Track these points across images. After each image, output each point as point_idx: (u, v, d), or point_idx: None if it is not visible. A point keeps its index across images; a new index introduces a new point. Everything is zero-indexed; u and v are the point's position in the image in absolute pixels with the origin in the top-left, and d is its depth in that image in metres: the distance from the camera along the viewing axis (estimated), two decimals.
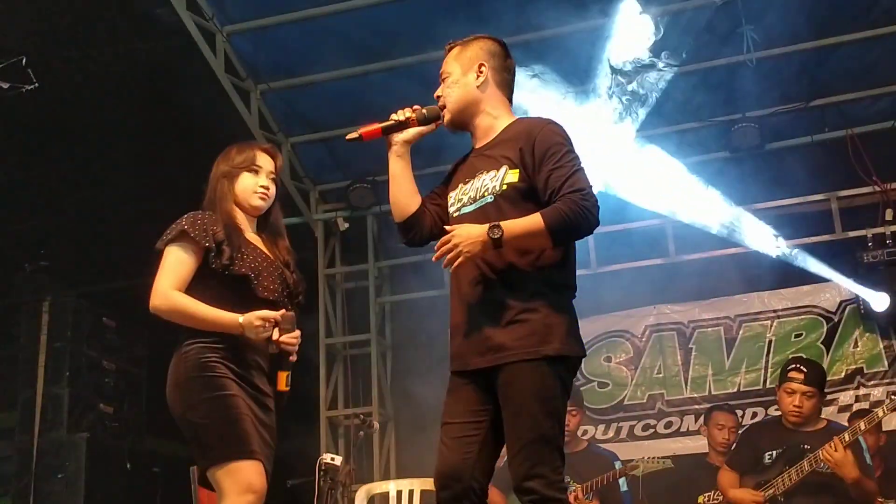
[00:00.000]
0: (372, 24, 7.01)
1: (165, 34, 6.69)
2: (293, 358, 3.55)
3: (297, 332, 3.53)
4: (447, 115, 3.27)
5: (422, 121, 3.24)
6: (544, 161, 3.08)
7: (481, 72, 3.28)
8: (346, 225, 8.46)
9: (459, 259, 3.00)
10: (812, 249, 7.69)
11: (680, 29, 7.03)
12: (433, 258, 3.08)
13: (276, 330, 3.44)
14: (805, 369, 5.09)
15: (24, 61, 5.98)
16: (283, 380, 3.50)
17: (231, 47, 7.32)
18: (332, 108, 7.51)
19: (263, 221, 3.74)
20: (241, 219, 3.64)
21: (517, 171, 3.11)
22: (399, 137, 3.25)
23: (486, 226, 2.98)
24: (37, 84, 6.07)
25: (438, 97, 3.30)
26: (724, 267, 7.82)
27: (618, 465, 5.65)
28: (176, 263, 3.45)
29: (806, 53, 7.14)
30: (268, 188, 3.67)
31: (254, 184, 3.64)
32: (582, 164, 3.11)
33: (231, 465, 3.31)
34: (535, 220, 2.99)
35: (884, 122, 7.51)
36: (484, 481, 3.09)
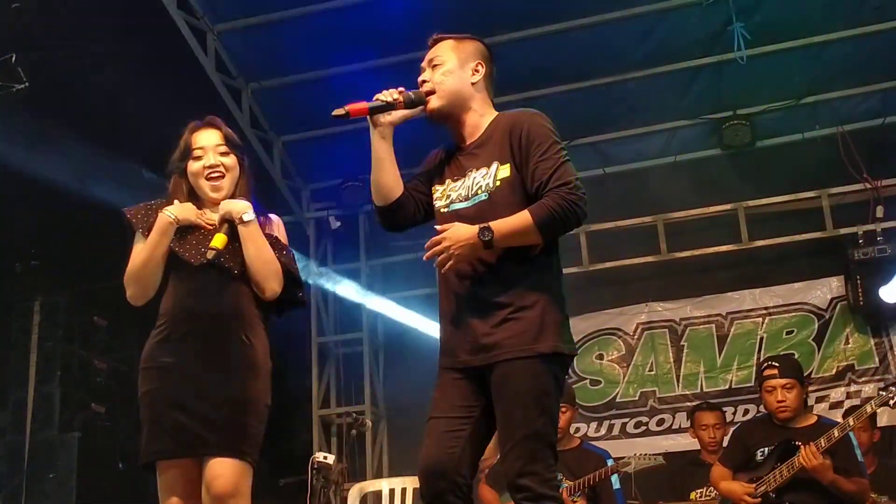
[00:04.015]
0: (364, 22, 7.01)
1: (156, 33, 6.67)
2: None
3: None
4: (437, 102, 3.22)
5: (408, 104, 3.19)
6: (531, 152, 3.08)
7: (477, 70, 3.27)
8: (339, 223, 8.45)
9: (451, 262, 3.01)
10: (803, 246, 7.71)
11: (671, 26, 7.06)
12: (424, 257, 3.07)
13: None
14: (778, 364, 5.13)
15: (13, 59, 5.95)
16: (216, 238, 3.28)
17: (222, 46, 7.31)
18: (323, 107, 7.50)
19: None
20: (205, 207, 3.46)
21: (508, 165, 3.11)
22: (385, 119, 3.21)
23: (477, 227, 2.98)
24: (27, 83, 6.05)
25: (424, 81, 3.26)
26: (715, 264, 7.84)
27: (610, 462, 5.64)
28: (133, 252, 3.38)
29: (797, 50, 7.16)
30: (216, 165, 3.41)
31: (199, 169, 3.41)
32: (568, 157, 3.10)
33: (157, 466, 3.27)
34: (523, 218, 2.99)
35: (874, 120, 7.52)
36: (469, 476, 3.08)
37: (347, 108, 3.15)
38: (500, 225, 2.99)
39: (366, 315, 8.42)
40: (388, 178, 3.24)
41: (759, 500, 4.94)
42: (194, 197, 3.47)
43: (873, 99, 7.50)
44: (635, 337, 8.03)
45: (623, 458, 5.77)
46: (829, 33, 7.02)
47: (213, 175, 3.42)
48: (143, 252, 3.32)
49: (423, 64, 3.30)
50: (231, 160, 3.47)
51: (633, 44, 7.20)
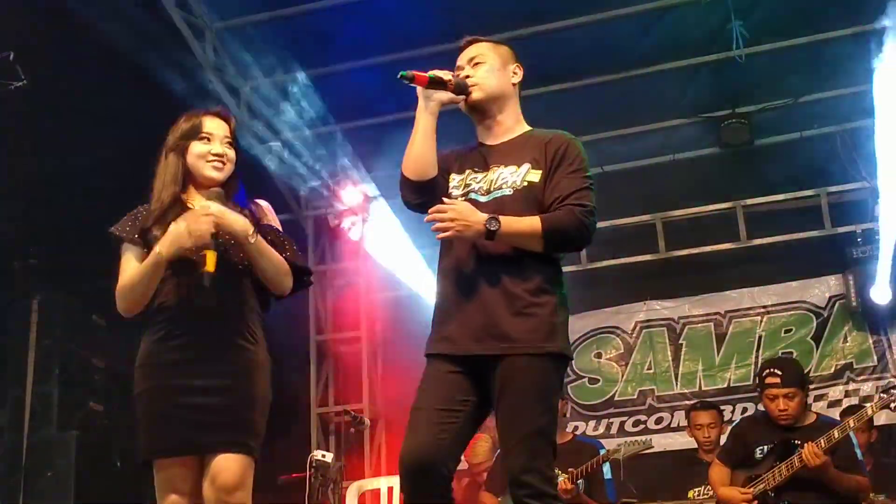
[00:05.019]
0: (362, 21, 7.00)
1: (155, 31, 6.66)
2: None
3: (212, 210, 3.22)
4: (479, 95, 3.26)
5: (456, 89, 3.23)
6: (560, 167, 3.14)
7: (516, 73, 3.36)
8: (337, 222, 8.45)
9: (448, 233, 3.03)
10: (802, 245, 7.72)
11: (669, 24, 7.06)
12: (425, 219, 3.09)
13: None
14: (780, 371, 5.05)
15: (11, 57, 5.95)
16: (208, 259, 3.17)
17: (220, 44, 7.31)
18: (321, 105, 7.50)
19: (230, 194, 3.45)
20: (195, 194, 3.41)
21: (540, 172, 3.15)
22: (437, 96, 3.22)
23: (486, 215, 3.01)
24: (25, 81, 6.04)
25: (468, 77, 3.28)
26: (714, 263, 7.84)
27: (603, 451, 5.65)
28: (122, 267, 3.33)
29: (795, 49, 7.16)
30: (222, 155, 3.40)
31: (205, 151, 3.38)
32: (594, 185, 3.17)
33: (155, 463, 3.25)
34: (533, 223, 3.03)
35: (872, 118, 7.52)
36: (453, 470, 3.04)
37: (413, 73, 3.16)
38: (509, 221, 3.02)
39: (364, 313, 8.41)
40: (431, 153, 3.22)
41: (756, 502, 4.94)
42: (185, 179, 3.43)
43: (871, 98, 7.49)
44: (634, 335, 8.04)
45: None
46: (828, 31, 7.02)
47: (216, 163, 3.40)
48: (136, 278, 3.26)
49: (462, 62, 3.33)
50: (233, 154, 3.46)
51: (631, 42, 7.20)
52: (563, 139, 3.22)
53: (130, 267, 3.32)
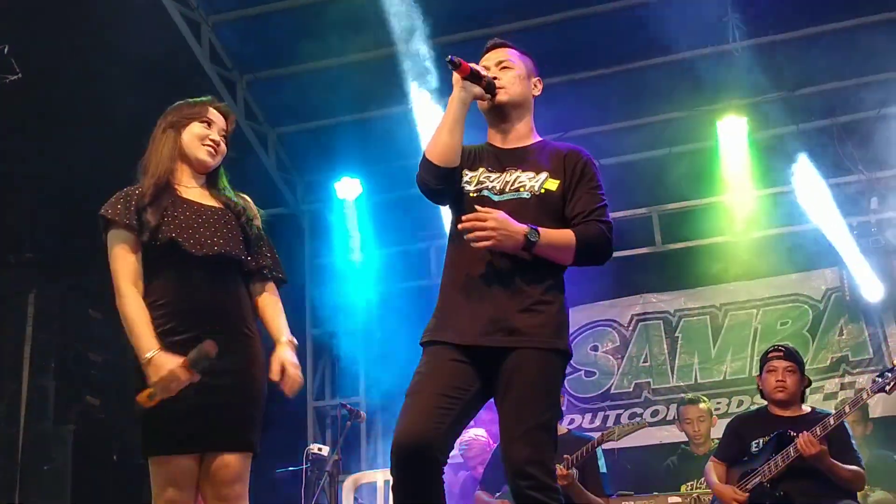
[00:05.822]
0: (359, 14, 6.99)
1: (150, 24, 6.65)
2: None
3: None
4: (504, 98, 3.31)
5: (487, 87, 3.27)
6: (582, 182, 3.21)
7: (536, 86, 3.43)
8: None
9: (488, 243, 3.03)
10: (798, 237, 7.72)
11: (665, 17, 7.05)
12: (460, 227, 3.09)
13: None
14: (783, 348, 5.17)
15: (6, 50, 5.93)
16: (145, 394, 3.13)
17: (216, 37, 7.30)
18: (318, 99, 7.49)
19: (214, 182, 3.48)
20: (183, 174, 3.42)
21: (559, 181, 3.20)
22: (472, 89, 3.26)
23: (527, 227, 3.04)
24: (20, 74, 6.02)
25: (495, 78, 3.31)
26: (710, 255, 7.85)
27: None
28: (117, 256, 3.27)
29: (792, 42, 7.16)
30: (217, 143, 3.43)
31: (204, 134, 3.41)
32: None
33: (154, 459, 3.24)
34: (568, 237, 3.11)
35: (869, 111, 7.53)
36: (446, 456, 3.03)
37: (461, 60, 3.19)
38: (548, 234, 3.07)
39: (360, 306, 8.41)
40: (459, 142, 3.25)
41: (748, 495, 4.94)
42: (177, 158, 3.43)
43: (867, 91, 7.51)
44: (630, 328, 8.05)
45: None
46: (824, 24, 7.03)
47: (210, 149, 3.43)
48: (131, 323, 3.23)
49: (489, 64, 3.36)
50: (224, 148, 3.49)
51: (627, 35, 7.20)
52: (581, 154, 3.28)
53: (127, 261, 3.26)
